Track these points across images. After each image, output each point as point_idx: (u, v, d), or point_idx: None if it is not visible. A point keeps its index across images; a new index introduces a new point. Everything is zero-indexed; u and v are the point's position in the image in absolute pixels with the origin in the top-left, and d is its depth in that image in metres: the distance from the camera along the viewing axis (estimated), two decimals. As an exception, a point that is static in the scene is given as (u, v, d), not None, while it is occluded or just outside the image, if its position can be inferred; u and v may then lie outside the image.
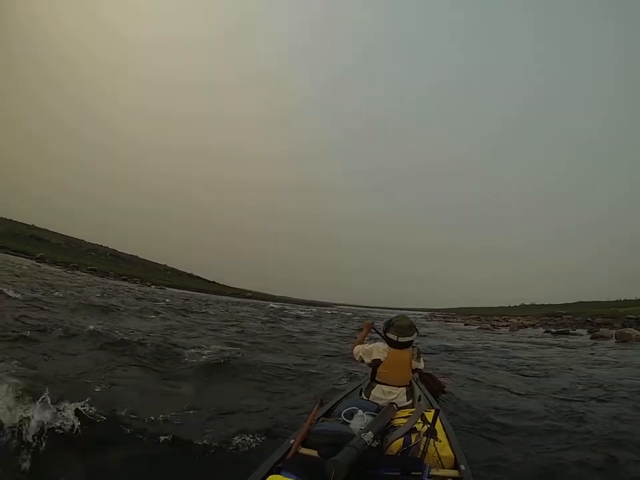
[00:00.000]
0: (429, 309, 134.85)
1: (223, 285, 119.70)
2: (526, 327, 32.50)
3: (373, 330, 4.14)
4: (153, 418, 3.60)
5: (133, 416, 3.58)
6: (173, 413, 3.81)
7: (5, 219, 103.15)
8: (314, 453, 2.27)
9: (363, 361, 3.63)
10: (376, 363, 3.43)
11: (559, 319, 40.66)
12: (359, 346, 3.75)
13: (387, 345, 3.46)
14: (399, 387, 3.33)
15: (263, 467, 2.10)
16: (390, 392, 3.27)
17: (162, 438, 3.24)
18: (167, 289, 53.47)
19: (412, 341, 3.48)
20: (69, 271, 43.17)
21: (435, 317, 62.99)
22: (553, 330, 25.76)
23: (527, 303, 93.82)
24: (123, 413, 3.59)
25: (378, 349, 3.47)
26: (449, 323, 40.88)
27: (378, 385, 3.36)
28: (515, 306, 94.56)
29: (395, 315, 3.67)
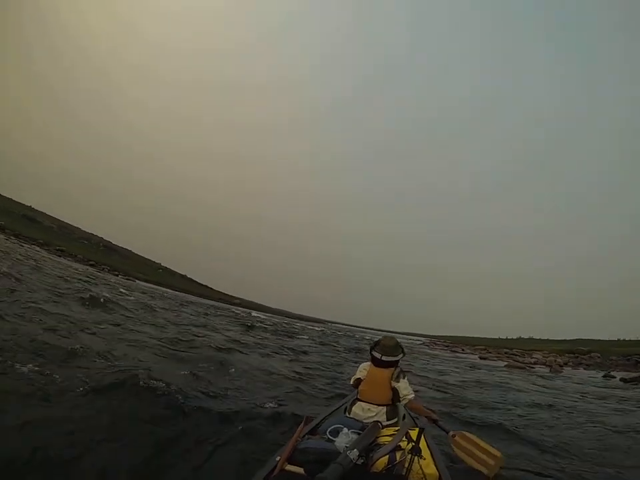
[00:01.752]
0: (426, 334, 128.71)
1: (212, 289, 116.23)
2: (561, 366, 27.21)
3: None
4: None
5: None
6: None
7: (3, 196, 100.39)
8: (300, 470, 2.23)
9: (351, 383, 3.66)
10: (358, 382, 3.50)
11: (586, 356, 35.58)
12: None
13: (370, 363, 3.55)
14: (379, 405, 3.30)
15: None
16: (369, 409, 3.27)
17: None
18: (138, 282, 49.04)
19: (396, 361, 3.48)
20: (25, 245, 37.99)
21: (437, 345, 57.33)
22: (614, 374, 20.70)
23: (525, 337, 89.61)
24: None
25: (360, 369, 3.59)
26: (458, 355, 35.54)
27: (359, 402, 3.37)
28: (513, 338, 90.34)
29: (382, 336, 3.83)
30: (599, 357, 35.30)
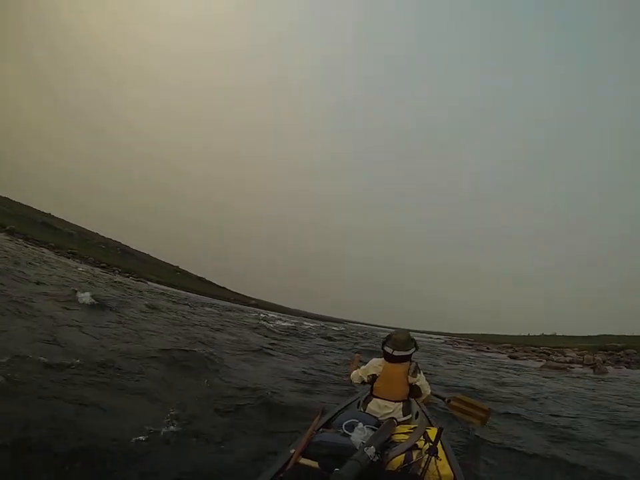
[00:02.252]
0: (446, 333, 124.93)
1: (229, 291, 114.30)
2: (602, 364, 24.36)
3: (361, 361, 4.13)
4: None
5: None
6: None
7: (22, 204, 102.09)
8: (314, 464, 2.16)
9: (363, 382, 3.55)
10: (373, 378, 3.41)
11: (621, 353, 32.59)
12: (355, 371, 3.70)
13: (382, 359, 3.43)
14: (395, 401, 3.23)
15: (264, 476, 2.16)
16: (386, 406, 3.20)
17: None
18: (150, 283, 47.58)
19: (408, 355, 3.36)
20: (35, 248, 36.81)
21: (459, 343, 54.52)
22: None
23: (548, 333, 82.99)
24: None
25: (373, 365, 3.46)
26: (484, 354, 32.96)
27: (374, 398, 3.31)
28: (536, 335, 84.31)
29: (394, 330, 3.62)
30: (635, 354, 32.46)
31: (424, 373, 3.45)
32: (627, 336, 61.05)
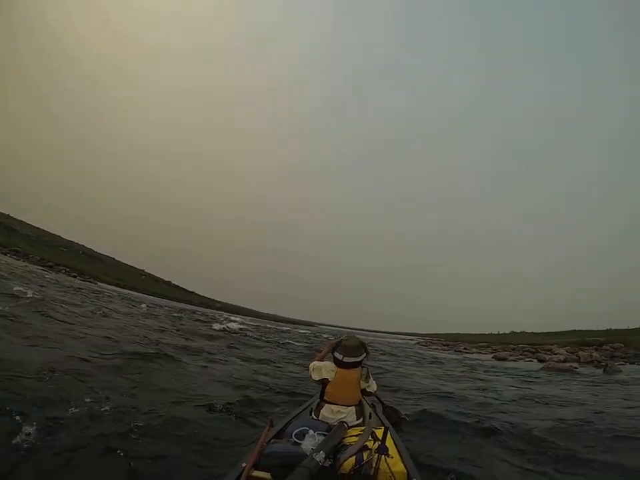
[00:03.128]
0: (416, 333, 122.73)
1: (195, 294, 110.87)
2: (588, 362, 21.26)
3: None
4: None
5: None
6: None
7: None
8: (267, 475, 2.18)
9: (314, 381, 3.43)
10: (324, 382, 3.31)
11: (605, 347, 30.05)
12: (315, 362, 3.53)
13: (334, 364, 3.35)
14: (348, 406, 3.18)
15: None
16: (339, 411, 3.14)
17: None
18: (100, 284, 43.49)
19: (359, 361, 3.33)
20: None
21: (433, 343, 51.33)
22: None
23: (517, 331, 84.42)
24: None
25: (327, 368, 3.34)
26: (465, 355, 29.61)
27: (327, 404, 3.21)
28: (506, 333, 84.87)
29: (345, 335, 3.57)
30: (623, 347, 30.12)
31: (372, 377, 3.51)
32: (595, 330, 60.32)
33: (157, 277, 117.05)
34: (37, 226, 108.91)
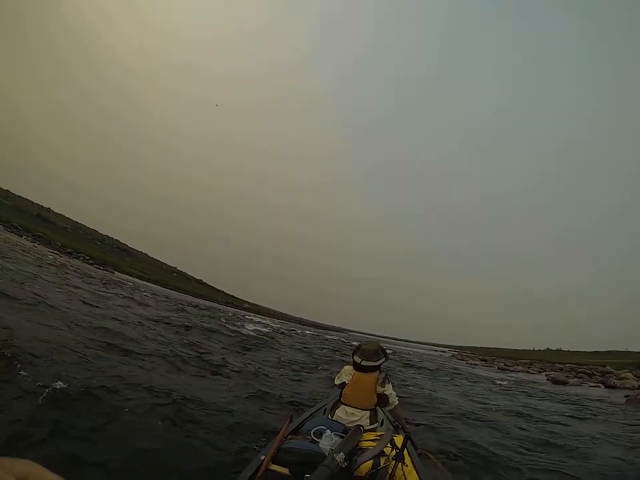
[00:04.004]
0: (448, 345, 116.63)
1: (223, 293, 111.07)
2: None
3: None
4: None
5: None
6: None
7: (19, 195, 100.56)
8: (285, 470, 2.15)
9: (334, 383, 3.48)
10: (343, 385, 3.32)
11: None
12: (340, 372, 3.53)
13: (352, 367, 3.35)
14: (363, 409, 3.15)
15: None
16: (353, 413, 3.12)
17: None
18: (118, 274, 41.77)
19: (377, 365, 3.27)
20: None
21: (468, 356, 46.40)
22: None
23: (553, 348, 79.29)
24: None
25: (346, 372, 3.37)
26: (511, 375, 25.16)
27: (342, 405, 3.23)
28: (541, 350, 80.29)
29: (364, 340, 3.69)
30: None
31: (391, 383, 3.36)
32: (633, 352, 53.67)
33: (189, 276, 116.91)
34: (76, 220, 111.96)
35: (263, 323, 27.82)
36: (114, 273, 39.48)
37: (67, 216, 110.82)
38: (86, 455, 2.73)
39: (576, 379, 23.37)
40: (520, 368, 30.08)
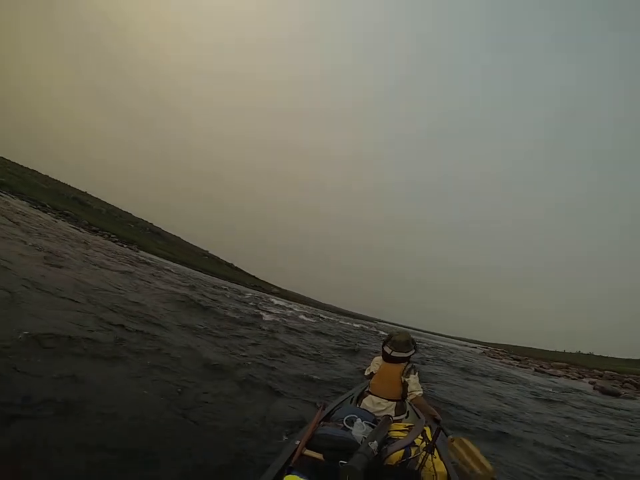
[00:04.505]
0: (476, 340, 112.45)
1: (254, 278, 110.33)
2: None
3: None
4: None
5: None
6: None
7: (57, 180, 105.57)
8: (319, 455, 2.14)
9: (365, 375, 3.52)
10: (371, 375, 3.37)
11: None
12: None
13: (381, 357, 3.37)
14: (389, 400, 3.14)
15: (274, 467, 2.10)
16: (379, 403, 3.14)
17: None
18: (142, 252, 41.84)
19: (407, 357, 3.27)
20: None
21: (500, 354, 43.51)
22: None
23: (585, 352, 75.32)
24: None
25: (375, 362, 3.40)
26: (547, 376, 22.67)
27: (370, 395, 3.24)
28: (572, 352, 75.79)
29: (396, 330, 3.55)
30: None
31: (418, 375, 3.25)
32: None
33: (220, 260, 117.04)
34: (112, 204, 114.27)
35: (280, 305, 26.28)
36: (138, 251, 38.87)
37: (103, 200, 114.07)
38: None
39: (626, 389, 20.63)
40: (560, 372, 27.21)
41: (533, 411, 8.41)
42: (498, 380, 13.97)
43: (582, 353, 74.96)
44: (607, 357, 67.70)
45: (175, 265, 42.93)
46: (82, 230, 33.10)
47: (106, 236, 39.26)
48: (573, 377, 25.16)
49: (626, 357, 64.69)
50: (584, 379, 25.68)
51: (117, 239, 40.39)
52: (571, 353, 75.87)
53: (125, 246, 37.56)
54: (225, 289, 27.65)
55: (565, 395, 13.27)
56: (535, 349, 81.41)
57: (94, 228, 41.34)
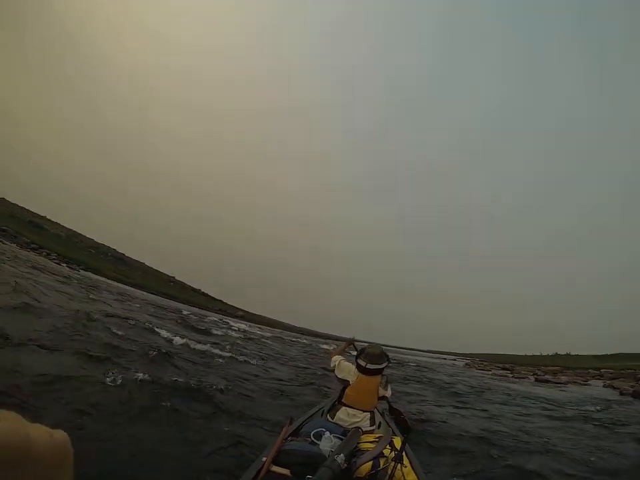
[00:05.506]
0: (454, 352, 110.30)
1: (220, 302, 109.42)
2: None
3: (352, 346, 4.02)
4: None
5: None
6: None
7: (13, 203, 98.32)
8: (286, 471, 2.11)
9: (334, 371, 3.41)
10: (344, 384, 3.27)
11: None
12: (338, 356, 3.49)
13: (356, 368, 3.34)
14: (364, 411, 3.09)
15: None
16: (355, 415, 3.05)
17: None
18: (83, 272, 37.33)
19: (381, 369, 3.24)
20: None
21: (486, 366, 40.28)
22: None
23: (562, 353, 73.11)
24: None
25: (350, 370, 3.29)
26: (556, 385, 19.39)
27: (344, 407, 3.13)
28: (548, 355, 74.57)
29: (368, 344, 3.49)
30: None
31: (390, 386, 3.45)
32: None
33: (185, 285, 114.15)
34: (74, 229, 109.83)
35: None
36: (79, 271, 34.47)
37: (63, 224, 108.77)
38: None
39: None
40: (564, 379, 23.88)
41: (609, 450, 5.01)
42: (515, 404, 10.48)
43: (559, 354, 72.88)
44: (581, 355, 66.75)
45: (124, 286, 39.14)
46: (14, 245, 28.83)
47: (44, 254, 35.52)
48: (581, 383, 21.98)
49: (601, 353, 63.91)
50: (590, 382, 22.83)
51: (55, 258, 36.06)
52: (548, 355, 74.39)
53: (63, 265, 33.05)
54: (171, 311, 23.29)
55: (606, 412, 9.84)
56: (519, 355, 79.42)
57: (33, 246, 36.63)
